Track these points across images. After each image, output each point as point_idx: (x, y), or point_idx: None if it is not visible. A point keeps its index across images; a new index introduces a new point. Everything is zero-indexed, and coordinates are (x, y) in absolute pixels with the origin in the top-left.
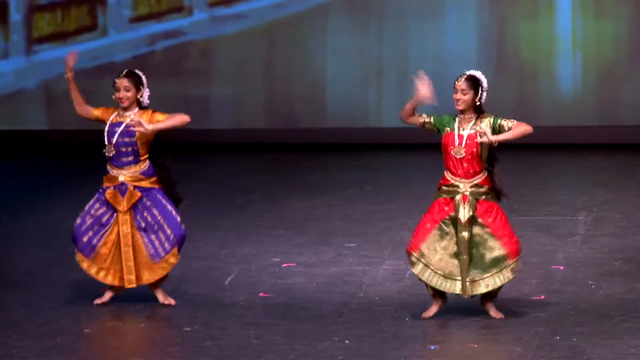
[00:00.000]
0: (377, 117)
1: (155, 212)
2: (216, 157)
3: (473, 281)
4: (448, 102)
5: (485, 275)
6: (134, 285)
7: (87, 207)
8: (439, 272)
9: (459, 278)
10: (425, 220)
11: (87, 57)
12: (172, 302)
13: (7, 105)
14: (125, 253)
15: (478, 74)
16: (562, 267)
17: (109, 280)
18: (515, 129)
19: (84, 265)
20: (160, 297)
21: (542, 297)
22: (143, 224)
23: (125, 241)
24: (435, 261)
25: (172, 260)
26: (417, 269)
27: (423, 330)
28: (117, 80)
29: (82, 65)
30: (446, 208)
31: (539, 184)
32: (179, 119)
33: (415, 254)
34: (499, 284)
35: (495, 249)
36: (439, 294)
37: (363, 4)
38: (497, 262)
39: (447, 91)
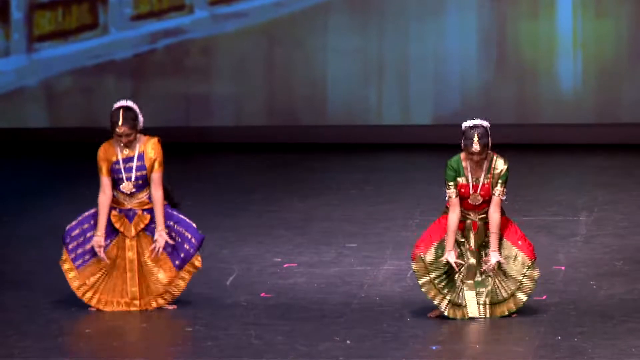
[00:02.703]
0: (378, 115)
1: (171, 223)
2: (217, 157)
3: (496, 303)
4: (448, 101)
5: (510, 293)
6: (142, 308)
7: (86, 214)
8: (439, 286)
9: (472, 303)
10: (433, 230)
11: (88, 56)
12: (174, 306)
13: (8, 103)
14: (131, 279)
15: (485, 125)
16: (563, 268)
17: (94, 302)
18: (494, 225)
19: (70, 274)
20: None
21: (544, 297)
22: (172, 234)
23: (131, 267)
24: (435, 274)
25: (197, 263)
26: (418, 266)
27: (424, 330)
28: (117, 129)
29: (83, 63)
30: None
31: (539, 184)
32: (160, 200)
33: (422, 254)
34: (524, 299)
35: (514, 255)
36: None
37: (363, 2)
38: (519, 272)
39: (447, 91)
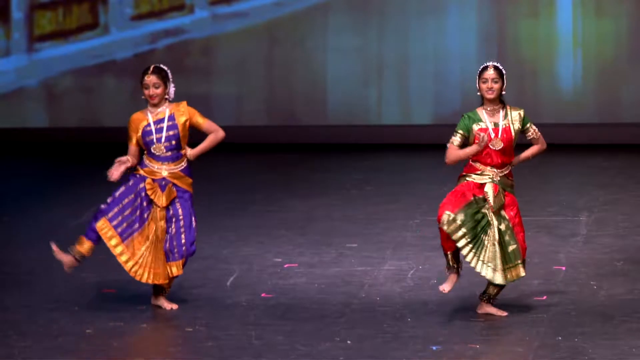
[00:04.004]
0: (378, 115)
1: (181, 218)
2: (217, 157)
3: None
4: (448, 101)
5: (505, 267)
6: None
7: (123, 190)
8: (472, 244)
9: (494, 265)
10: (461, 189)
11: (89, 56)
12: (175, 306)
13: (8, 103)
14: (161, 249)
15: (499, 64)
16: (563, 268)
17: (145, 278)
18: (533, 148)
19: (116, 248)
20: (164, 304)
21: (544, 297)
22: (172, 227)
23: (162, 237)
24: (472, 232)
25: (175, 270)
26: (451, 228)
27: (425, 330)
28: (145, 78)
29: (84, 63)
30: (477, 189)
31: (540, 184)
32: (219, 137)
33: (450, 214)
34: (509, 278)
35: (512, 243)
36: (455, 268)
37: (363, 2)
38: (510, 258)
39: (448, 90)
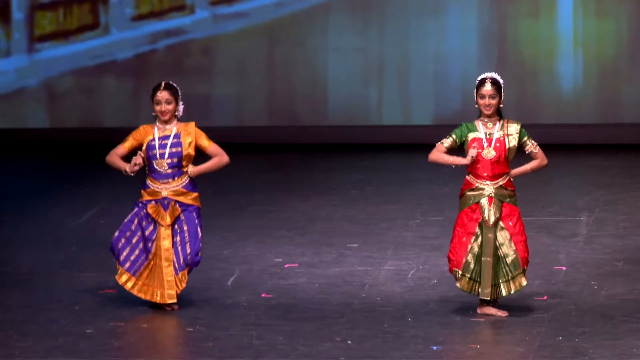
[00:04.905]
0: (378, 115)
1: (185, 229)
2: None
3: (494, 285)
4: (449, 101)
5: (503, 280)
6: (174, 301)
7: (126, 221)
8: (473, 278)
9: (487, 280)
10: (460, 234)
11: (89, 56)
12: (176, 307)
13: (9, 103)
14: (166, 268)
15: (497, 76)
16: (564, 268)
17: (141, 295)
18: (533, 162)
19: (127, 283)
20: (166, 306)
21: (545, 297)
22: (177, 238)
23: (167, 256)
24: (471, 269)
25: (183, 278)
26: (462, 283)
27: (425, 330)
28: (158, 94)
29: (84, 64)
30: (474, 216)
31: (541, 185)
32: (223, 161)
33: (460, 271)
34: (512, 290)
35: (511, 254)
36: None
37: (364, 2)
38: (510, 270)
39: (448, 91)
